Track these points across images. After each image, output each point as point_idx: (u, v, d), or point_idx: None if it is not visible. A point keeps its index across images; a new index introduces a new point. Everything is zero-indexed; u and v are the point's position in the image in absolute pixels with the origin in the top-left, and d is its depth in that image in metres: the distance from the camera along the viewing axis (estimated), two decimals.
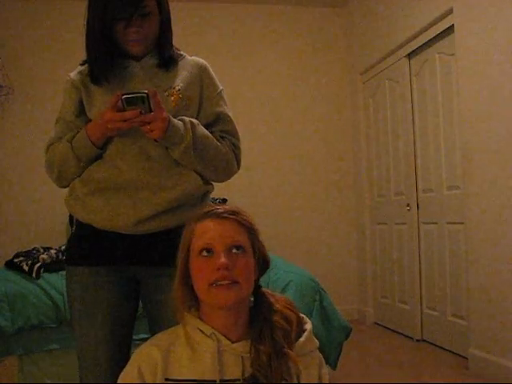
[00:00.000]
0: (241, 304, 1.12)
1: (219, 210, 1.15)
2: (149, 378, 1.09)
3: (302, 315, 1.20)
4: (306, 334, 1.16)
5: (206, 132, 1.43)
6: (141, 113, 1.27)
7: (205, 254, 1.10)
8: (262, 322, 1.11)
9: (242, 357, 1.10)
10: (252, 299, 1.18)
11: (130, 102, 1.26)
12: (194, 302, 1.15)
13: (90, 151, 1.39)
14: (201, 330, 1.12)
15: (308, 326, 1.18)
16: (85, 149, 1.39)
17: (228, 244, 1.10)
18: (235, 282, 1.07)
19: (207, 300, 1.10)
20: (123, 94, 1.26)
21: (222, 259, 1.07)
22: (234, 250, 1.10)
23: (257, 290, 1.18)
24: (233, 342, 1.11)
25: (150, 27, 1.38)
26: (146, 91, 1.27)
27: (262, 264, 1.18)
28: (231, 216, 1.14)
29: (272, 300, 1.17)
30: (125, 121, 1.29)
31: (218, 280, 1.07)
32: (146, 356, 1.12)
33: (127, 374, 1.12)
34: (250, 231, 1.15)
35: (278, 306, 1.16)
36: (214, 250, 1.10)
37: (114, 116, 1.29)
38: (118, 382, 1.13)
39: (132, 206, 1.37)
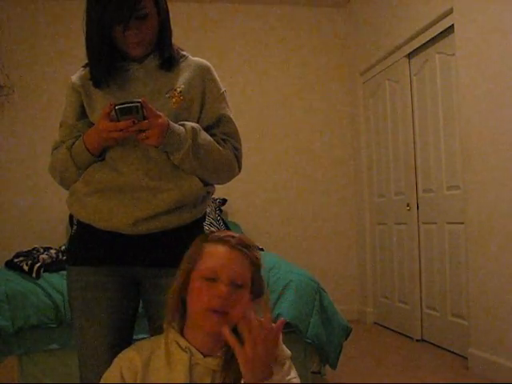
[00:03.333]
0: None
1: (233, 240, 1.18)
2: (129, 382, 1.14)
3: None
4: None
5: (208, 138, 1.42)
6: (134, 122, 1.26)
7: (209, 277, 1.14)
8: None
9: (213, 370, 1.15)
10: None
11: (124, 112, 1.25)
12: (180, 313, 1.19)
13: (88, 160, 1.41)
14: (177, 343, 1.17)
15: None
16: (83, 158, 1.40)
17: (233, 276, 1.14)
18: (227, 312, 1.12)
19: (199, 322, 1.15)
20: (116, 105, 1.25)
21: (224, 289, 1.12)
22: (236, 284, 1.14)
23: None
24: (205, 356, 1.16)
25: (148, 29, 1.38)
26: (140, 100, 1.26)
27: (256, 295, 1.23)
28: (243, 249, 1.18)
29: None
30: (120, 130, 1.28)
31: (215, 306, 1.11)
32: (128, 361, 1.17)
33: (110, 375, 1.17)
34: (255, 267, 1.20)
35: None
36: (218, 277, 1.14)
37: (108, 126, 1.29)
38: (101, 381, 1.18)
39: (131, 207, 1.37)
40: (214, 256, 1.16)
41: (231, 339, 1.08)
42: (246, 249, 1.18)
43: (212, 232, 1.25)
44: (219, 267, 1.14)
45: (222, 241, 1.18)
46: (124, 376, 1.15)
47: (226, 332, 1.08)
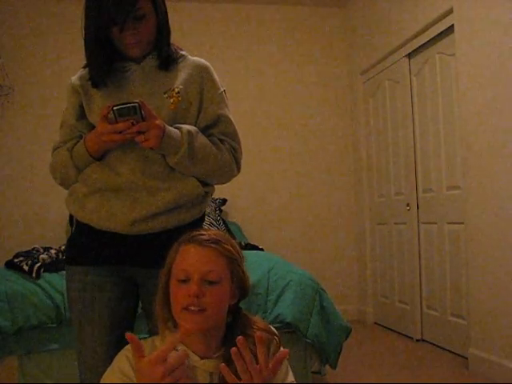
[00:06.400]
0: (211, 328, 1.17)
1: (203, 237, 1.18)
2: (132, 376, 1.14)
3: (273, 329, 1.24)
4: (271, 350, 1.20)
5: (205, 141, 1.42)
6: (132, 124, 1.26)
7: (181, 279, 1.15)
8: (233, 345, 1.13)
9: (210, 373, 1.15)
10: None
11: (122, 113, 1.25)
12: (172, 317, 1.19)
13: (89, 162, 1.41)
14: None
15: (275, 339, 1.23)
16: (84, 160, 1.40)
17: (203, 272, 1.14)
18: (203, 309, 1.12)
19: (179, 322, 1.16)
20: (114, 106, 1.25)
21: (194, 288, 1.12)
22: (208, 280, 1.14)
23: (236, 312, 1.23)
24: (202, 359, 1.16)
25: (145, 29, 1.38)
26: (138, 101, 1.26)
27: (242, 290, 1.24)
28: (212, 245, 1.17)
29: (248, 323, 1.22)
30: (119, 132, 1.28)
31: (188, 305, 1.12)
32: (127, 358, 1.16)
33: (117, 365, 1.17)
34: (231, 260, 1.19)
35: (252, 330, 1.20)
36: (190, 277, 1.14)
37: (106, 128, 1.29)
38: (104, 376, 1.19)
39: (129, 207, 1.37)
40: (185, 256, 1.17)
41: (229, 377, 1.06)
42: (215, 244, 1.17)
43: (189, 232, 1.23)
44: (189, 267, 1.15)
45: (192, 240, 1.18)
46: (127, 369, 1.15)
47: (225, 371, 1.06)
